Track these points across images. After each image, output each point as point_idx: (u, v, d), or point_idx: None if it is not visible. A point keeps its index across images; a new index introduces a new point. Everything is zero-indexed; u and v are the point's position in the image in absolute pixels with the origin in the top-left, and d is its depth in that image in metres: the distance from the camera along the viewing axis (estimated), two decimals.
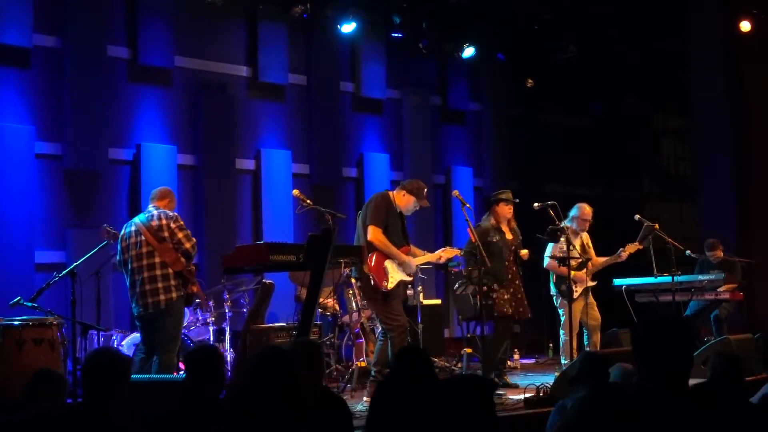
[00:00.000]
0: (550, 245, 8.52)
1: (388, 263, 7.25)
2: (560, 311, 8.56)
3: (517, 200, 8.43)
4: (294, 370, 3.35)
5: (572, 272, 8.27)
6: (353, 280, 8.91)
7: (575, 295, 8.39)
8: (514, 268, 8.19)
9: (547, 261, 8.56)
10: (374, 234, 7.19)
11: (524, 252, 8.25)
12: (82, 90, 8.89)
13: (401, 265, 7.31)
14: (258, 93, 10.44)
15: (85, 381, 3.67)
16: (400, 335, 7.15)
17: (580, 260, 8.39)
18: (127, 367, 3.86)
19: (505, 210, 8.27)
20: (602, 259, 8.65)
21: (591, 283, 8.50)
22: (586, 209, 8.63)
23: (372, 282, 7.17)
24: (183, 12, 9.78)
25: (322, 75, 10.85)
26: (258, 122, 10.43)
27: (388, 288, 7.20)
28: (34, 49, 8.75)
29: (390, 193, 7.50)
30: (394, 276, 7.27)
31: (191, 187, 9.70)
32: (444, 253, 7.79)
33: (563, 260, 8.26)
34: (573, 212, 8.66)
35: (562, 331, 8.48)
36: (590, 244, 8.72)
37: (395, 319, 7.18)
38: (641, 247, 8.60)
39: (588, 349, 8.36)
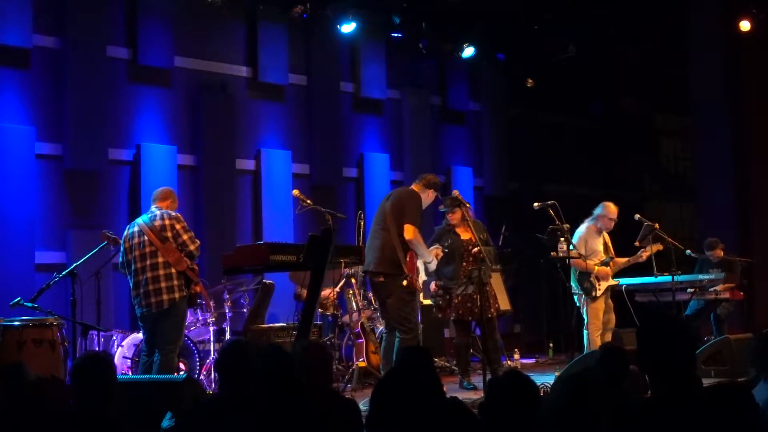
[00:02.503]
0: (577, 243, 8.44)
1: (419, 263, 7.27)
2: (583, 310, 8.43)
3: (458, 210, 8.27)
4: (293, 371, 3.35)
5: (596, 268, 8.29)
6: (353, 280, 8.94)
7: (599, 292, 8.35)
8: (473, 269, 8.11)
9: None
10: (414, 233, 7.11)
11: (475, 249, 8.06)
12: (82, 90, 8.89)
13: (427, 264, 7.33)
14: (258, 93, 10.44)
15: (74, 386, 3.70)
16: (414, 339, 7.12)
17: (603, 259, 8.40)
18: (110, 367, 3.87)
19: (452, 217, 8.21)
20: (623, 260, 8.61)
21: (613, 282, 8.47)
22: (612, 208, 8.50)
23: (406, 281, 7.10)
24: (183, 12, 9.77)
25: (322, 75, 10.85)
26: (258, 122, 10.43)
27: (420, 288, 7.23)
28: (34, 50, 8.75)
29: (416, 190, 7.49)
30: (422, 276, 7.33)
31: (191, 187, 9.69)
32: (440, 251, 7.81)
33: (563, 260, 8.27)
34: (598, 211, 8.53)
35: (586, 332, 8.38)
36: (610, 244, 8.67)
37: (413, 321, 7.17)
38: (661, 248, 8.57)
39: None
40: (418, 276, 7.29)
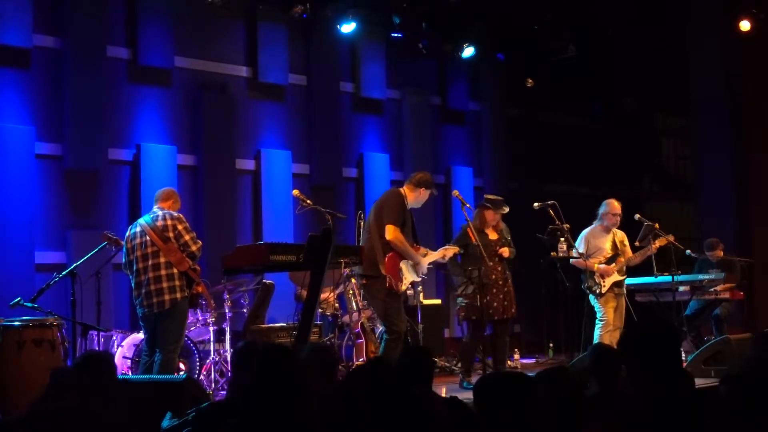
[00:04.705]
0: (580, 243, 8.50)
1: (402, 264, 7.25)
2: (596, 307, 8.49)
3: (507, 210, 8.38)
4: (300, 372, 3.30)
5: (596, 266, 8.33)
6: (353, 280, 8.92)
7: (603, 289, 8.38)
8: (499, 269, 8.15)
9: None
10: (394, 233, 7.14)
11: (504, 249, 8.18)
12: (82, 90, 8.88)
13: (415, 265, 7.31)
14: (258, 93, 10.44)
15: (75, 385, 3.69)
16: (395, 340, 7.13)
17: (610, 255, 8.43)
18: (111, 366, 3.86)
19: (492, 217, 8.25)
20: (632, 255, 8.60)
21: (620, 277, 8.46)
22: (615, 204, 8.54)
23: (387, 283, 7.13)
24: (183, 12, 9.77)
25: (322, 75, 10.85)
26: (258, 122, 10.42)
27: (401, 290, 7.21)
28: (34, 50, 8.74)
29: (401, 190, 7.50)
30: (407, 277, 7.29)
31: (191, 187, 9.69)
32: (447, 252, 7.80)
33: (563, 260, 8.28)
34: (602, 209, 8.55)
35: (599, 323, 8.43)
36: (626, 242, 8.67)
37: (395, 323, 7.17)
38: (672, 238, 8.60)
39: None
40: (401, 277, 7.25)
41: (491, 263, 8.04)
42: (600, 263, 8.40)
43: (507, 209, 8.39)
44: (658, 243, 8.50)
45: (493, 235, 8.23)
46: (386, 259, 7.18)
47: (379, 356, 6.84)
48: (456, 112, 12.41)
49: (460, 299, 8.34)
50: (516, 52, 12.35)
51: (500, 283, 8.17)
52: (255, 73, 10.35)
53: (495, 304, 8.06)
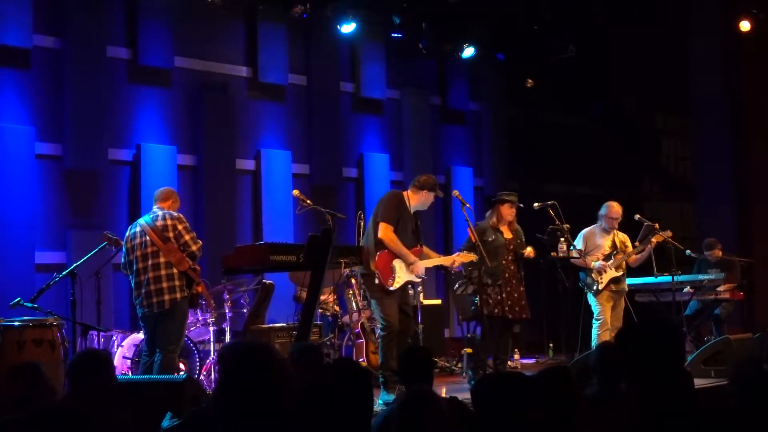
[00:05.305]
0: (579, 241, 8.53)
1: (396, 263, 7.25)
2: (593, 306, 8.53)
3: (522, 205, 8.42)
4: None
5: (593, 263, 8.38)
6: (353, 280, 8.94)
7: (601, 285, 8.40)
8: (512, 268, 8.14)
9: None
10: (385, 232, 7.18)
11: (529, 250, 8.18)
12: (81, 90, 8.89)
13: (409, 265, 7.30)
14: (258, 93, 10.44)
15: (71, 383, 3.68)
16: (389, 335, 7.14)
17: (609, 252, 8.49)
18: (109, 364, 3.86)
19: (508, 212, 8.25)
20: (631, 252, 8.61)
21: (617, 273, 8.46)
22: (615, 207, 8.59)
23: (377, 280, 7.16)
24: (183, 12, 9.77)
25: (322, 75, 10.85)
26: (258, 122, 10.43)
27: (393, 287, 7.20)
28: (34, 50, 8.75)
29: (404, 192, 7.50)
30: (401, 276, 7.26)
31: (191, 188, 9.69)
32: (458, 258, 7.75)
33: (563, 260, 8.29)
34: (602, 211, 8.62)
35: (596, 323, 8.47)
36: (628, 243, 8.68)
37: (386, 318, 7.19)
38: (670, 235, 8.63)
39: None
40: (393, 275, 7.24)
41: (504, 262, 8.04)
42: (597, 260, 8.43)
43: (521, 205, 8.42)
44: (655, 239, 8.52)
45: (507, 234, 8.22)
46: (378, 256, 7.21)
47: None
48: (456, 112, 12.41)
49: (475, 298, 8.31)
50: (516, 52, 12.34)
51: (514, 282, 8.12)
52: (255, 73, 10.35)
53: (510, 302, 8.04)
